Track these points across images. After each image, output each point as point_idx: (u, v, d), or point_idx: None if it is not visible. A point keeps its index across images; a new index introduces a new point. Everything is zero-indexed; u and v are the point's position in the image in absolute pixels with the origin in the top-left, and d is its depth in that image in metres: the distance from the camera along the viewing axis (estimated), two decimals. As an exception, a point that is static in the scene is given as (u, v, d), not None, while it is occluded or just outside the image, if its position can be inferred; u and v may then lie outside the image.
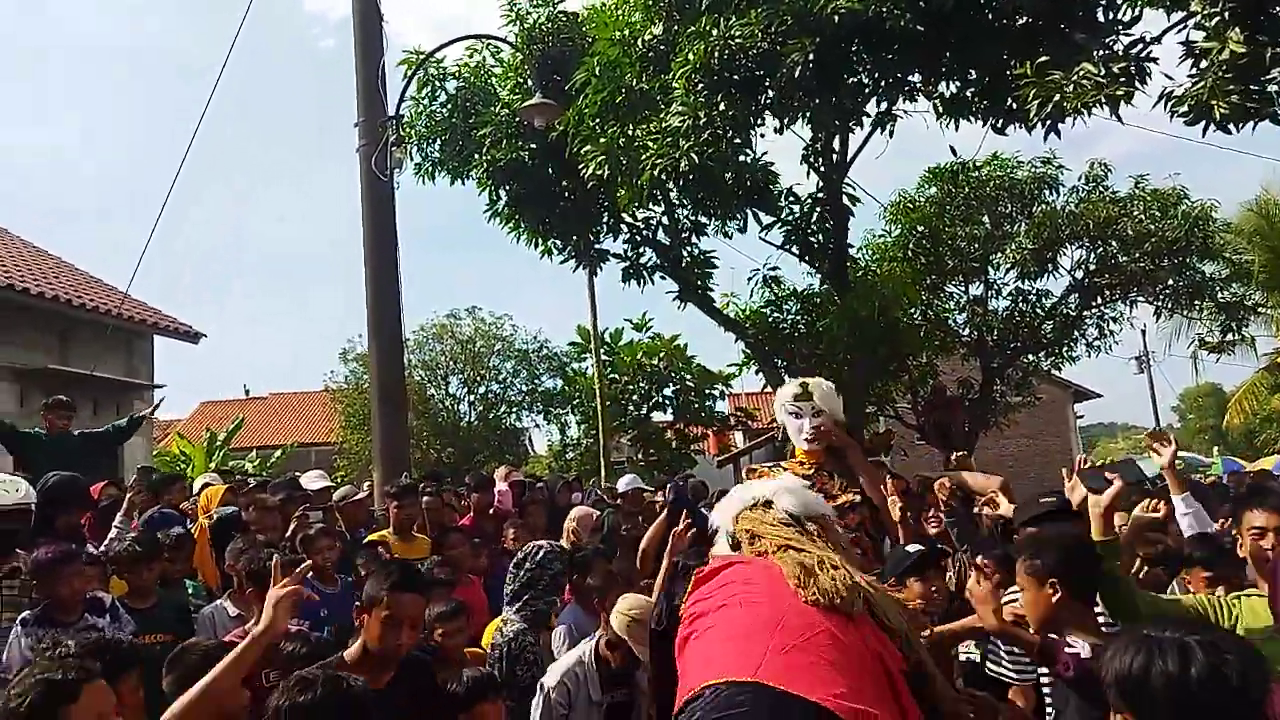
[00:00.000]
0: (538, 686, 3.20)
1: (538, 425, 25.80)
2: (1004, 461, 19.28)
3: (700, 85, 7.78)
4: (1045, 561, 2.54)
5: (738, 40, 7.41)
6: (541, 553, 3.78)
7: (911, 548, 3.47)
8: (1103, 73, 5.49)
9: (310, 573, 3.09)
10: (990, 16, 7.22)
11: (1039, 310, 13.26)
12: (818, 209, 10.16)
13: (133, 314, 12.50)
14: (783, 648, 1.50)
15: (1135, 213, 12.29)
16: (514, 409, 25.48)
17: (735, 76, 7.68)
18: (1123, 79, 5.72)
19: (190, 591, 4.41)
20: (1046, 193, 12.43)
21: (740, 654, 1.51)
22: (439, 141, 10.82)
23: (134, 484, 5.04)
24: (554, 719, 3.15)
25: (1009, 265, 13.23)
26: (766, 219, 10.03)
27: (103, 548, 4.29)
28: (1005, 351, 13.26)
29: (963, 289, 13.75)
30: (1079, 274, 13.00)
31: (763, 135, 8.87)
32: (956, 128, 8.65)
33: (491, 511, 6.48)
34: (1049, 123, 6.13)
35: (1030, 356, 13.69)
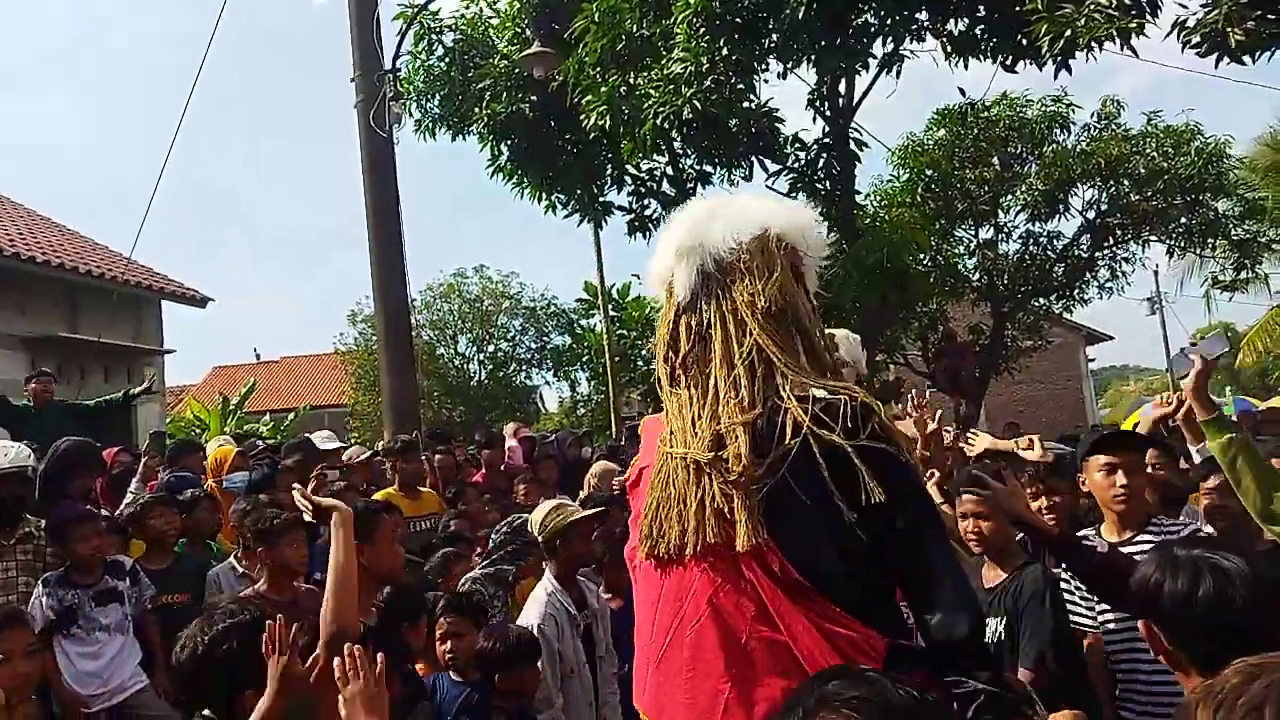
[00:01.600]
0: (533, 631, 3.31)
1: (548, 383, 25.92)
2: (1014, 406, 19.22)
3: (702, 30, 7.62)
4: None
5: (740, -18, 7.24)
6: (519, 522, 4.06)
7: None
8: (1114, 5, 5.34)
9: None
10: (999, -51, 7.03)
11: (1050, 253, 13.12)
12: (824, 155, 10.00)
13: (139, 279, 12.51)
14: (657, 657, 1.60)
15: (1148, 150, 12.08)
16: (523, 367, 25.55)
17: (738, 20, 7.52)
18: (1134, 10, 5.57)
19: (215, 552, 4.45)
20: (1057, 132, 12.20)
21: (639, 667, 1.67)
22: (438, 97, 10.66)
23: (148, 449, 5.06)
24: (553, 652, 3.29)
25: (1019, 207, 13.06)
26: (773, 167, 9.89)
27: (118, 512, 4.33)
28: (1016, 295, 13.14)
29: (972, 233, 13.59)
30: (1090, 214, 12.83)
31: (767, 81, 8.71)
32: (966, 66, 8.48)
33: (503, 468, 6.50)
34: (1060, 59, 5.99)
35: (1041, 300, 13.58)
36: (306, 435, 6.37)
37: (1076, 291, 13.37)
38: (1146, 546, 2.70)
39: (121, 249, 12.85)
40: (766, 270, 1.68)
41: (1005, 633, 2.82)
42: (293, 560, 3.37)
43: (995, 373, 13.23)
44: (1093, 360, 26.88)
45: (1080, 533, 3.02)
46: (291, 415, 23.15)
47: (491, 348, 25.35)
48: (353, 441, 12.96)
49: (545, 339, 25.36)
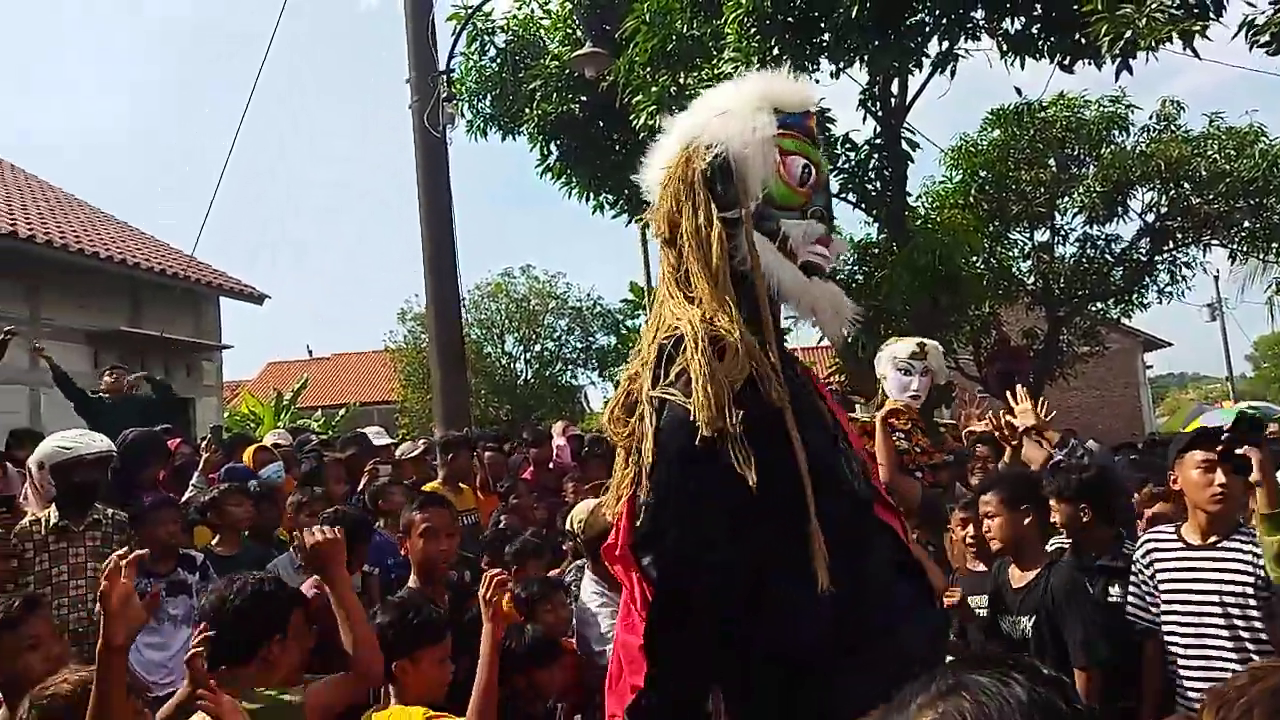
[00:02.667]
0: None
1: (593, 383, 26.00)
2: (1070, 413, 18.81)
3: (753, 30, 7.59)
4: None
5: (792, -19, 7.20)
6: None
7: None
8: (1177, 4, 5.21)
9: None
10: (1057, -53, 6.90)
11: (1108, 256, 12.84)
12: (875, 155, 9.90)
13: (199, 276, 12.84)
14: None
15: (1209, 152, 11.75)
16: (569, 366, 25.67)
17: (789, 19, 7.48)
18: (1197, 10, 5.44)
19: (276, 544, 4.55)
20: (1116, 133, 11.94)
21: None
22: (489, 97, 10.78)
23: (208, 443, 5.18)
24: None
25: (1076, 210, 12.79)
26: (822, 167, 9.82)
27: (190, 499, 4.45)
28: (1072, 300, 12.87)
29: (1027, 235, 13.35)
30: (1150, 217, 12.52)
31: (818, 80, 8.65)
32: (1022, 66, 8.32)
33: (551, 466, 6.55)
34: (1120, 59, 5.85)
35: (1098, 305, 13.28)
36: (361, 430, 6.48)
37: (1135, 296, 13.06)
38: (1233, 553, 2.64)
39: (178, 244, 13.23)
40: (666, 195, 1.54)
41: (1034, 631, 2.80)
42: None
43: (1050, 379, 12.97)
44: (1150, 367, 26.21)
45: (1156, 530, 2.95)
46: (342, 411, 23.58)
47: (538, 347, 25.51)
48: (402, 437, 13.17)
49: (591, 339, 25.46)
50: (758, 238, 1.46)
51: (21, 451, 5.75)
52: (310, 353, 35.70)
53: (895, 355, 3.98)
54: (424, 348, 21.48)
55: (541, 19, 10.74)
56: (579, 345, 25.63)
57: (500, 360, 25.40)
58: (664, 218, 1.53)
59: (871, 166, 9.92)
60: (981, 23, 8.06)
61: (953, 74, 8.82)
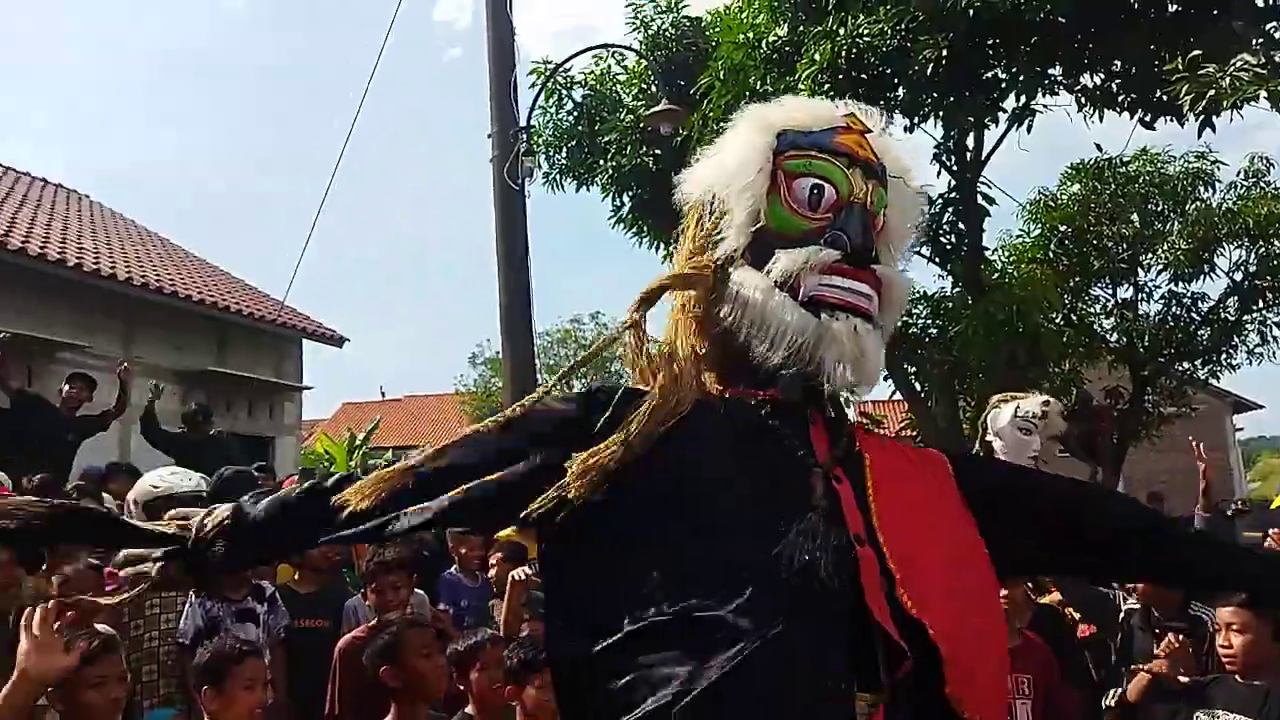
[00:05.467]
0: None
1: (659, 429, 26.05)
2: (1156, 476, 18.09)
3: (826, 86, 7.67)
4: None
5: (866, 39, 7.28)
6: None
7: None
8: (1262, 62, 5.11)
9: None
10: (1137, 5, 6.84)
11: (1194, 315, 12.40)
12: (949, 209, 9.84)
13: (285, 319, 13.34)
14: None
15: (1301, 209, 11.34)
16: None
17: (863, 75, 7.54)
18: (1291, 65, 5.32)
19: (347, 581, 4.66)
20: (1201, 189, 11.61)
21: None
22: (565, 149, 11.08)
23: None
24: None
25: (1161, 267, 12.43)
26: (895, 221, 9.77)
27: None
28: (1157, 359, 12.45)
29: (1110, 292, 13.00)
30: (1238, 275, 12.09)
31: (891, 135, 8.64)
32: (1101, 119, 8.23)
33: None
34: (1203, 117, 5.75)
35: (1185, 364, 12.82)
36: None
37: (1223, 357, 12.57)
38: None
39: (254, 279, 13.80)
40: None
41: None
42: (393, 604, 3.63)
43: (1134, 440, 12.52)
44: (1240, 429, 25.11)
45: None
46: (413, 452, 24.03)
47: (605, 393, 25.73)
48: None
49: (658, 386, 25.60)
50: (744, 272, 1.26)
51: (114, 483, 6.05)
52: (383, 394, 36.58)
53: (1022, 412, 3.74)
54: (494, 392, 21.83)
55: (618, 74, 11.03)
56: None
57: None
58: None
59: (945, 220, 9.86)
60: (1059, 78, 8.00)
61: (1030, 128, 8.78)
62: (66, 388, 7.00)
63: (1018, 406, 3.78)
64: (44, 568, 3.75)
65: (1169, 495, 11.94)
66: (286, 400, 13.61)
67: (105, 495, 4.99)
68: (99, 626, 3.30)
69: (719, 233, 1.30)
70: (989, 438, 3.85)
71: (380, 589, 3.74)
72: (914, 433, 12.11)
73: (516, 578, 3.70)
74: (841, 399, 1.40)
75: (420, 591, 4.24)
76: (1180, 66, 5.52)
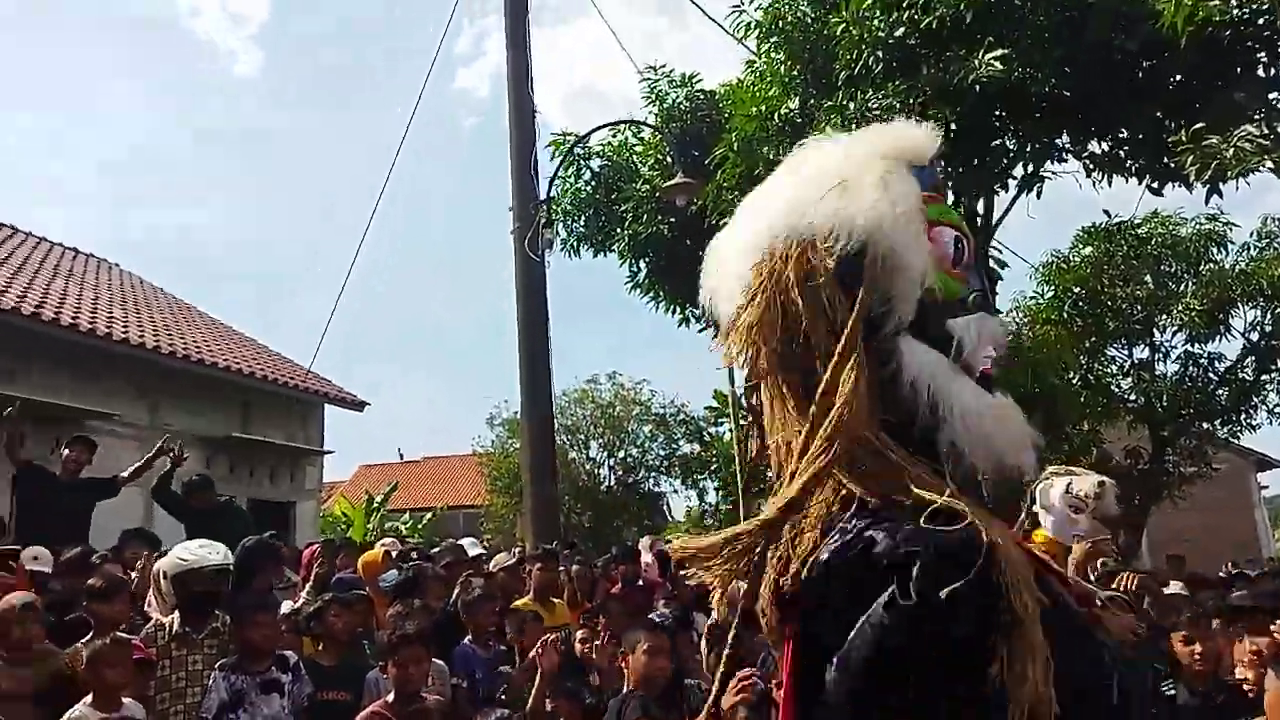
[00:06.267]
0: None
1: (675, 490, 25.90)
2: (1183, 536, 17.82)
3: (838, 156, 7.84)
4: None
5: (875, 112, 7.46)
6: None
7: None
8: (1265, 133, 5.23)
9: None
10: (1142, 76, 7.01)
11: (1211, 375, 12.37)
12: (962, 274, 9.93)
13: (307, 385, 13.52)
14: None
15: (1314, 270, 11.37)
16: (652, 473, 25.69)
17: (874, 147, 7.71)
18: (1291, 136, 5.44)
19: (368, 653, 4.70)
20: (1214, 250, 11.69)
21: None
22: (583, 217, 11.32)
23: (319, 557, 5.43)
24: None
25: (1176, 327, 12.45)
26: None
27: (294, 608, 4.66)
28: (1177, 419, 12.39)
29: (1126, 352, 13.01)
30: (1254, 336, 12.09)
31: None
32: (1110, 184, 8.34)
33: (640, 582, 6.58)
34: (1209, 185, 5.86)
35: (1205, 424, 12.73)
36: (459, 542, 6.68)
37: (1243, 416, 12.50)
38: None
39: (279, 346, 14.01)
40: (763, 304, 1.12)
41: None
42: (414, 676, 3.63)
43: (1156, 500, 12.40)
44: (1265, 488, 24.70)
45: None
46: (430, 514, 24.01)
47: (622, 453, 25.66)
48: (486, 543, 13.32)
49: (674, 446, 25.51)
50: (921, 351, 1.05)
51: (129, 550, 6.11)
52: (401, 455, 36.64)
53: (1075, 490, 3.70)
54: (511, 453, 21.87)
55: (634, 145, 11.31)
56: (662, 452, 25.70)
57: (585, 466, 25.62)
58: (767, 333, 1.10)
59: (959, 284, 9.94)
60: (1067, 145, 8.15)
61: (1040, 194, 8.91)
62: (66, 451, 6.94)
63: (1070, 484, 3.73)
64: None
65: (1190, 554, 11.75)
66: (308, 464, 13.72)
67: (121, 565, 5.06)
68: (126, 702, 3.38)
69: (885, 296, 1.06)
70: (1036, 509, 3.79)
71: (401, 662, 3.78)
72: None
73: (550, 662, 3.72)
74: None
75: (440, 662, 4.27)
76: (1184, 138, 5.65)
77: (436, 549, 6.94)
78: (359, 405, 14.52)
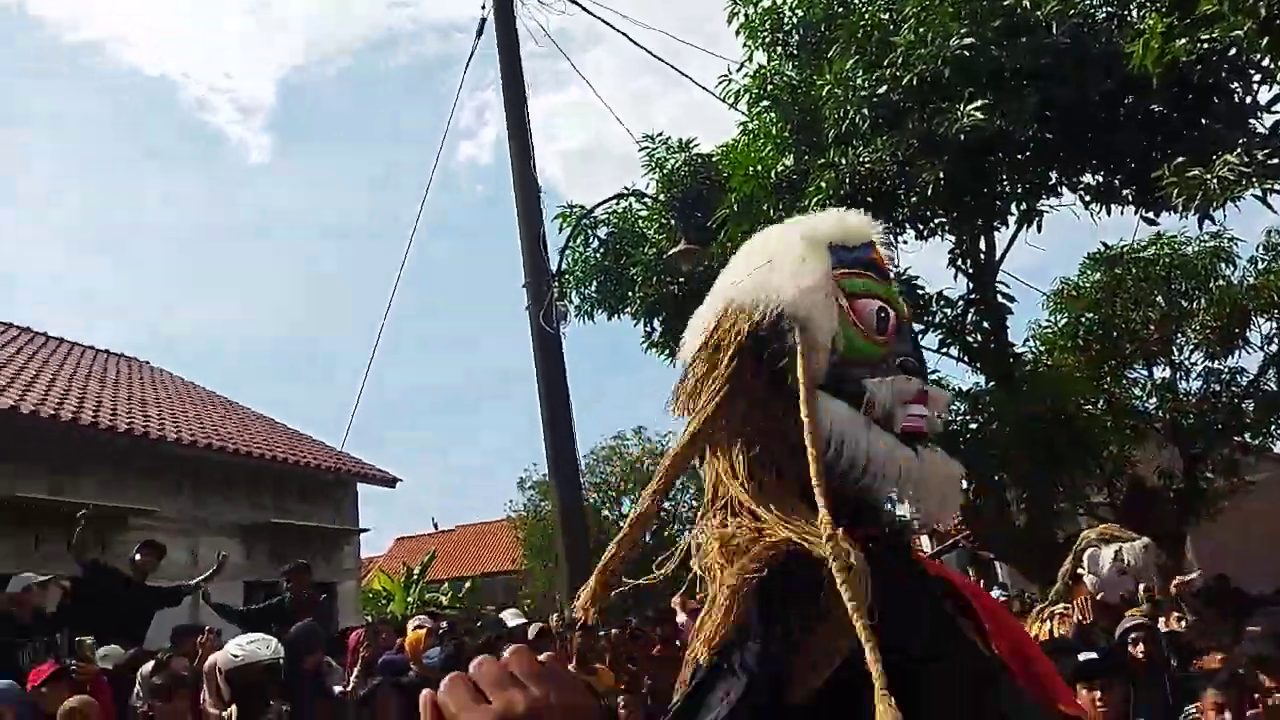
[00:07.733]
0: None
1: (710, 542, 25.85)
2: (1222, 553, 17.50)
3: (840, 207, 8.07)
4: None
5: (867, 166, 7.73)
6: None
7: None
8: (1246, 161, 5.40)
9: None
10: (1123, 112, 7.22)
11: (1234, 389, 12.36)
12: (972, 309, 10.08)
13: (340, 466, 13.80)
14: None
15: (1323, 278, 11.43)
16: (685, 526, 25.68)
17: (869, 198, 7.95)
18: (1272, 161, 5.60)
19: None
20: (1222, 266, 11.77)
21: None
22: (594, 283, 11.62)
23: (365, 639, 5.63)
24: None
25: (1193, 346, 12.49)
26: (918, 327, 10.03)
27: (341, 691, 4.85)
28: (1207, 435, 12.35)
29: (1147, 373, 13.02)
30: (1273, 348, 12.09)
31: (905, 242, 9.02)
32: (1108, 213, 8.51)
33: (677, 643, 6.69)
34: (1199, 213, 6.02)
35: (1237, 438, 12.67)
36: (498, 615, 6.84)
37: (1273, 427, 12.45)
38: None
39: (306, 427, 14.32)
40: (699, 369, 1.27)
41: None
42: None
43: (1195, 518, 12.31)
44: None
45: None
46: (468, 583, 24.09)
47: (654, 508, 25.71)
48: (526, 607, 13.39)
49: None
50: (835, 405, 1.16)
51: (186, 646, 6.32)
52: (435, 525, 36.83)
53: (1124, 556, 3.89)
54: (544, 515, 22.00)
55: (639, 211, 11.65)
56: (694, 504, 25.73)
57: (618, 523, 25.70)
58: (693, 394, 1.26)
59: (970, 320, 10.08)
60: (1060, 181, 8.35)
61: (1039, 228, 9.08)
62: (138, 556, 7.37)
63: (1119, 550, 3.95)
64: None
65: (1241, 566, 11.59)
66: (345, 544, 13.94)
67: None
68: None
69: (784, 357, 1.18)
70: (1081, 571, 4.03)
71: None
72: (965, 529, 12.05)
73: None
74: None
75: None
76: (1167, 172, 5.83)
77: (479, 622, 7.09)
78: (391, 482, 14.77)
